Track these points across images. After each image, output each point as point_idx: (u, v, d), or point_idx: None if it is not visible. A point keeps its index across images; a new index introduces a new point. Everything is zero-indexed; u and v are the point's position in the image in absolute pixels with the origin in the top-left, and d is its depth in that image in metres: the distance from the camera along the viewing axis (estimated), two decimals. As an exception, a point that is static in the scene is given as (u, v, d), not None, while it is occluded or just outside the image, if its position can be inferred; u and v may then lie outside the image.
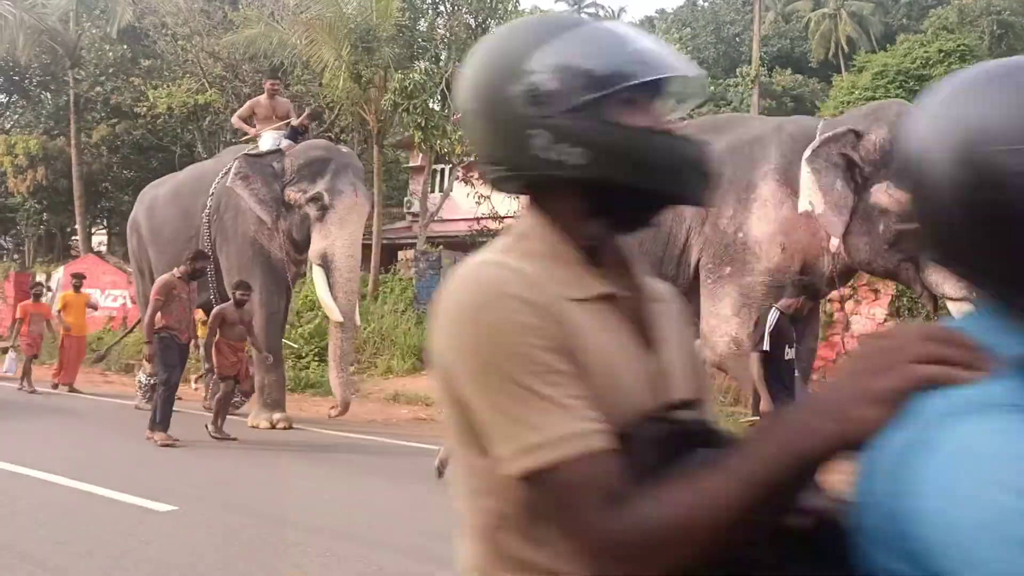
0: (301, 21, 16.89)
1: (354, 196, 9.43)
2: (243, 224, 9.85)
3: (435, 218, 19.62)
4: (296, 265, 10.22)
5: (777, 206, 6.22)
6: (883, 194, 5.84)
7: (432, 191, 21.83)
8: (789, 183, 6.13)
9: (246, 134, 10.78)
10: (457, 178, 19.69)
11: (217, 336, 8.79)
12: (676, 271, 6.57)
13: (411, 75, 16.06)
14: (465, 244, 20.59)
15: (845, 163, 5.94)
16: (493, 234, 20.29)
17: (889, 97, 22.20)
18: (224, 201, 9.97)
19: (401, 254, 18.72)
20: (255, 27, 18.19)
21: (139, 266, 11.45)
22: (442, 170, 22.66)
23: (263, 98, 10.60)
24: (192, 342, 13.39)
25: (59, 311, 13.29)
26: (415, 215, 21.71)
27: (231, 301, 8.88)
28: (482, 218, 20.01)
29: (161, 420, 7.95)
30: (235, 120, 10.73)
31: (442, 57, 17.62)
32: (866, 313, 10.94)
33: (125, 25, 23.22)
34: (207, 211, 10.11)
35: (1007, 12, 28.33)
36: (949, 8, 29.57)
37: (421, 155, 20.58)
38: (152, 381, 10.59)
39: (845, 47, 34.21)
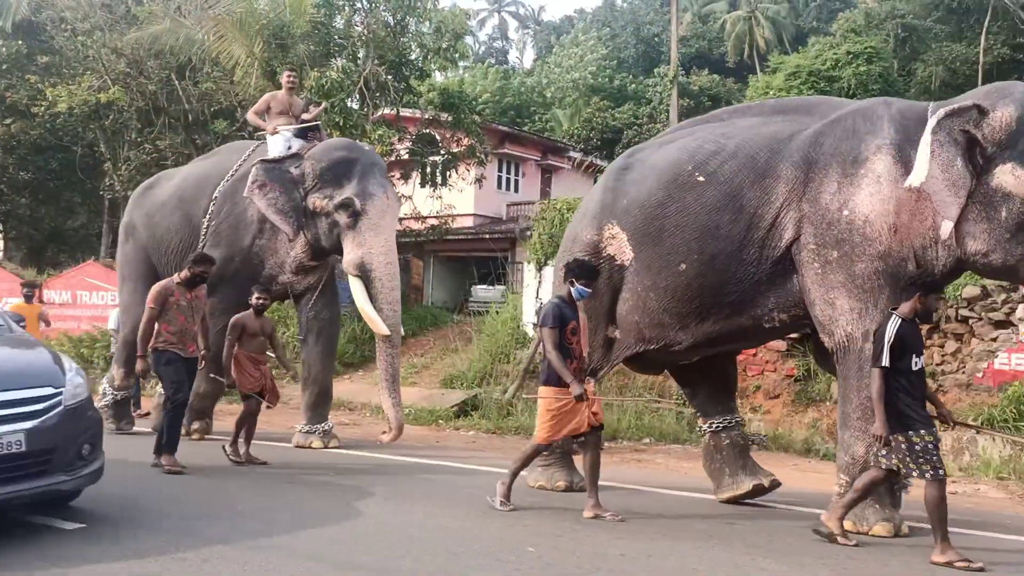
0: (210, 17, 16.30)
1: (386, 198, 8.66)
2: (244, 234, 9.03)
3: (354, 218, 19.18)
4: (303, 273, 9.19)
5: (892, 184, 5.62)
6: (1009, 175, 5.35)
7: (351, 191, 21.38)
8: (904, 161, 5.59)
9: (259, 130, 9.75)
10: (377, 178, 19.34)
11: (236, 348, 7.88)
12: (759, 254, 5.96)
13: (328, 73, 15.67)
14: (386, 245, 20.26)
15: (966, 140, 5.43)
16: (416, 235, 20.03)
17: (803, 96, 22.74)
18: (227, 208, 9.16)
19: (320, 256, 18.23)
20: (160, 23, 17.47)
21: (129, 274, 10.12)
22: (361, 170, 22.25)
23: (281, 93, 9.59)
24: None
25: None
26: (334, 216, 21.23)
27: (250, 309, 8.02)
28: (404, 219, 19.72)
29: (168, 442, 7.15)
30: (251, 116, 9.64)
31: (360, 55, 17.24)
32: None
33: (20, 19, 22.12)
34: (208, 215, 9.25)
35: (910, 16, 29.38)
36: (856, 12, 30.53)
37: (338, 155, 20.09)
38: (119, 396, 9.92)
39: (761, 48, 34.99)
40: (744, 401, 10.94)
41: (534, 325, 10.22)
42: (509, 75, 29.77)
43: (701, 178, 6.12)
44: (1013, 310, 9.91)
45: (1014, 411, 9.29)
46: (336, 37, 16.96)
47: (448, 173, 19.21)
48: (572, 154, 27.79)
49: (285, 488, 6.84)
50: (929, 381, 10.15)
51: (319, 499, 6.38)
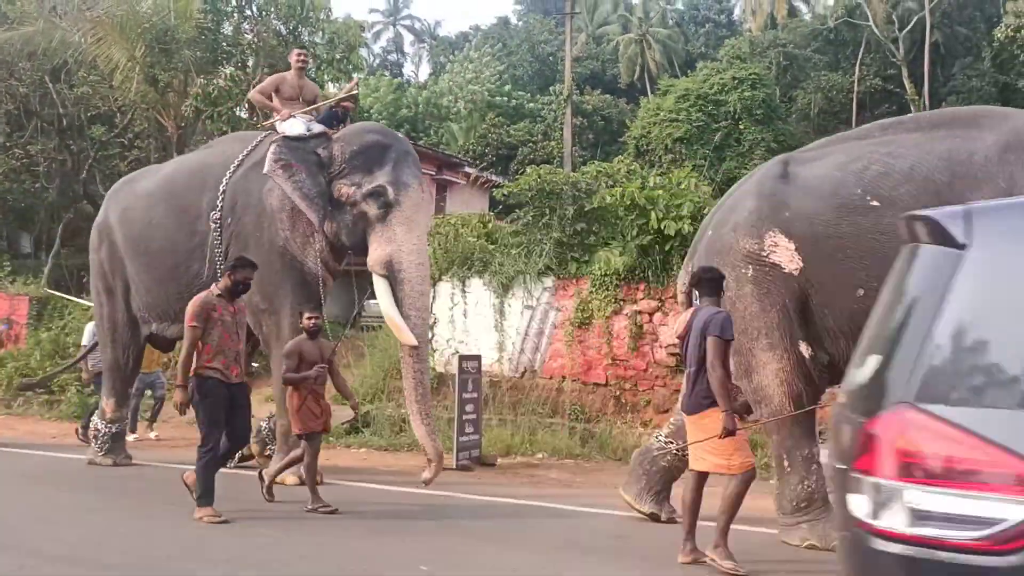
0: (88, 18, 15.58)
1: (420, 191, 7.65)
2: (270, 228, 7.70)
3: (243, 231, 18.62)
4: (333, 277, 8.14)
5: None
6: None
7: (239, 203, 20.79)
8: None
9: (267, 116, 8.62)
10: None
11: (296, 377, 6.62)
12: None
13: (215, 81, 15.20)
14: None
15: None
16: (306, 248, 19.59)
17: (691, 119, 23.49)
18: (242, 200, 7.79)
19: (205, 269, 17.59)
20: (34, 23, 16.59)
21: (107, 283, 8.79)
22: (250, 181, 21.65)
23: (290, 74, 8.43)
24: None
25: None
26: (221, 228, 20.56)
27: (304, 333, 6.76)
28: (293, 232, 19.26)
29: (204, 493, 5.99)
30: (254, 95, 8.48)
31: (249, 63, 16.80)
32: (673, 324, 11.28)
33: None
34: (218, 211, 7.82)
35: (791, 45, 30.80)
36: (741, 39, 31.79)
37: (227, 165, 19.52)
38: (113, 428, 8.65)
39: (652, 71, 35.99)
40: (635, 416, 11.11)
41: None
42: (403, 87, 29.60)
43: (875, 203, 5.60)
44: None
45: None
46: (224, 44, 16.50)
47: (341, 186, 18.87)
48: (467, 169, 27.83)
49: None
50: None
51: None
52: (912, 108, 27.03)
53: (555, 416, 11.15)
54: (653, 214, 11.02)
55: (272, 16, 16.60)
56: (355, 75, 10.86)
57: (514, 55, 34.57)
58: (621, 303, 11.50)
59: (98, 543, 5.46)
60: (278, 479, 6.99)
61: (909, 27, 28.82)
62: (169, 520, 6.15)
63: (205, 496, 5.99)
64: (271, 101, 8.15)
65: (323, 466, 9.18)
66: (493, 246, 13.86)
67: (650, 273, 11.34)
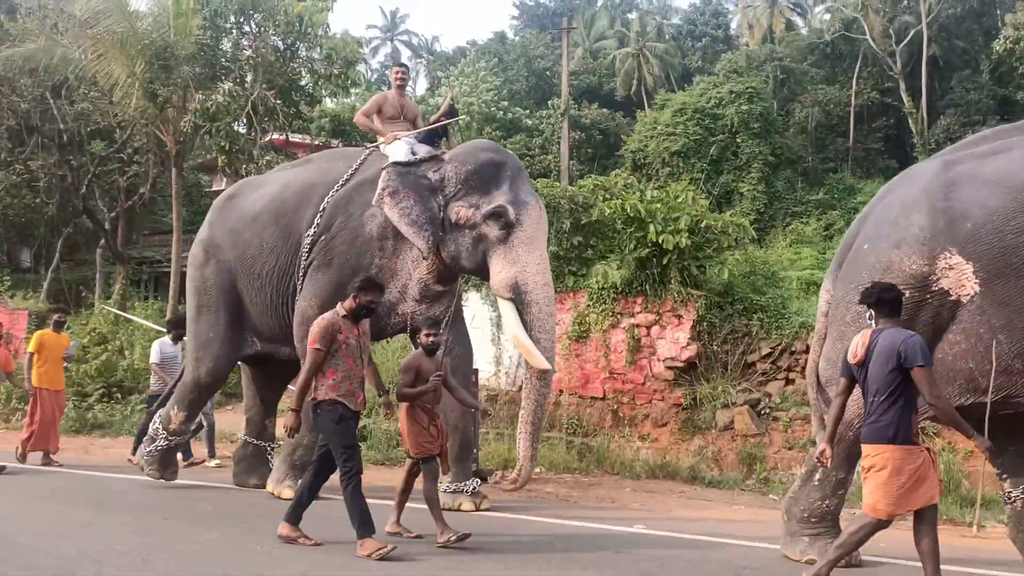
0: (89, 35, 15.64)
1: (539, 208, 7.34)
2: (362, 253, 7.49)
3: (241, 246, 18.63)
4: (428, 301, 7.72)
5: None
6: None
7: (238, 218, 20.82)
8: None
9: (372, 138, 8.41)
10: (265, 204, 18.87)
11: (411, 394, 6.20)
12: None
13: (213, 96, 15.25)
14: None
15: None
16: (304, 263, 19.61)
17: (688, 133, 23.57)
18: (341, 220, 7.60)
19: (203, 284, 17.60)
20: (35, 40, 16.67)
21: (207, 300, 8.31)
22: (249, 196, 21.68)
23: (391, 94, 8.29)
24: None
25: (32, 354, 9.85)
26: (219, 243, 20.58)
27: (420, 349, 6.33)
28: (292, 246, 19.28)
29: (363, 523, 5.55)
30: (359, 118, 8.25)
31: (248, 79, 16.86)
32: (670, 337, 11.30)
33: None
34: (313, 229, 7.64)
35: (788, 59, 30.88)
36: (738, 53, 31.89)
37: (226, 179, 19.58)
38: (172, 441, 8.34)
39: (649, 85, 36.09)
40: (632, 429, 11.09)
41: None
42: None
43: None
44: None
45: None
46: (223, 60, 16.57)
47: (339, 200, 18.89)
48: (465, 183, 27.76)
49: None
50: (807, 408, 10.59)
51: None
52: (909, 122, 27.10)
53: (552, 430, 11.14)
54: (651, 227, 11.04)
55: (271, 32, 16.66)
56: (448, 89, 10.66)
57: (510, 70, 34.68)
58: (619, 316, 11.51)
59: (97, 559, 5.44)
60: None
61: (906, 40, 28.92)
62: (168, 536, 6.13)
63: (364, 527, 5.54)
64: (374, 123, 8.03)
65: (224, 466, 9.27)
66: (491, 260, 13.86)
67: (647, 287, 11.35)
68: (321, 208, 7.67)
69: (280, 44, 16.92)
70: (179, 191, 16.74)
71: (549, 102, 29.90)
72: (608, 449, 10.50)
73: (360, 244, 7.49)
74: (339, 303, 5.94)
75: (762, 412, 10.71)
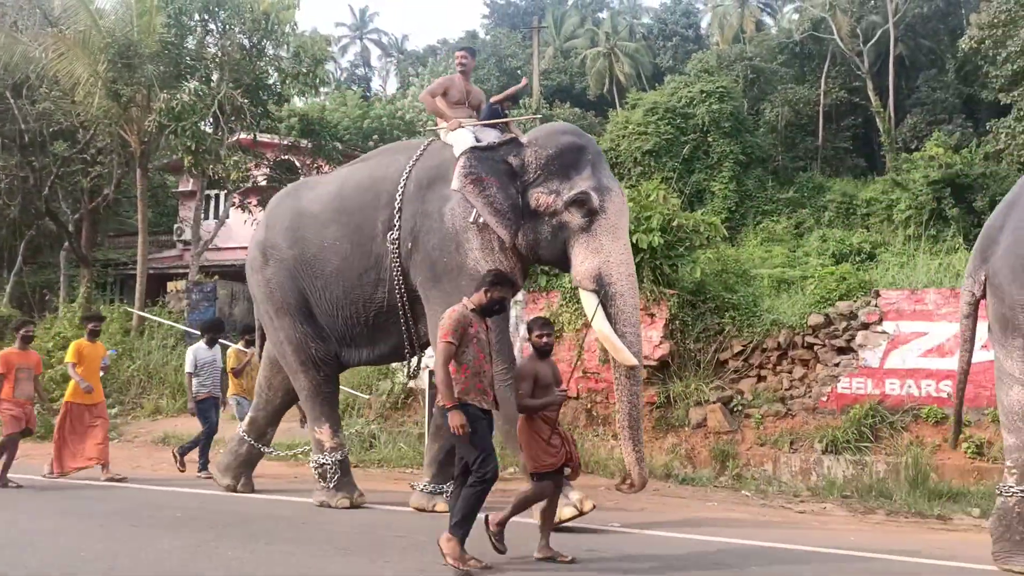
0: (50, 34, 15.35)
1: (622, 196, 6.97)
2: (458, 251, 7.03)
3: (209, 246, 18.41)
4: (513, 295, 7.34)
5: None
6: None
7: (206, 218, 20.57)
8: None
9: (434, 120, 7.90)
10: (233, 204, 18.67)
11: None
12: None
13: (178, 95, 15.02)
14: (243, 274, 19.51)
15: None
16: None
17: (660, 132, 23.62)
18: (421, 221, 7.17)
19: (170, 285, 17.38)
20: (-5, 38, 16.33)
21: (277, 303, 7.83)
22: (216, 196, 21.43)
23: (457, 77, 7.84)
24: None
25: (72, 364, 9.21)
26: (187, 243, 20.36)
27: (532, 353, 5.84)
28: (262, 247, 19.05)
29: (461, 524, 5.24)
30: (425, 97, 7.77)
31: (213, 78, 16.63)
32: (643, 336, 11.24)
33: None
34: (396, 231, 7.22)
35: (758, 59, 31.08)
36: (709, 53, 32.05)
37: (192, 180, 19.32)
38: (340, 456, 7.63)
39: (620, 84, 36.17)
40: (606, 428, 11.04)
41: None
42: (370, 101, 29.50)
43: None
44: (853, 337, 10.45)
45: (855, 432, 9.77)
46: (188, 58, 16.33)
47: (308, 200, 18.71)
48: (437, 183, 27.67)
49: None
50: (779, 405, 10.63)
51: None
52: (877, 120, 27.35)
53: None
54: (622, 226, 10.98)
55: (236, 30, 16.45)
56: (524, 78, 10.19)
57: (481, 68, 34.59)
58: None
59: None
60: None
61: (873, 40, 29.19)
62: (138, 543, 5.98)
63: (460, 528, 5.21)
64: (440, 105, 7.62)
65: (294, 483, 9.08)
66: (462, 259, 13.76)
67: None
68: (396, 208, 7.26)
69: (246, 42, 16.72)
70: (144, 192, 16.48)
71: (521, 101, 29.82)
72: (582, 448, 10.43)
73: (450, 240, 7.06)
74: (466, 297, 5.61)
75: (734, 409, 10.72)
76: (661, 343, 11.08)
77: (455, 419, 5.18)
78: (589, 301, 6.67)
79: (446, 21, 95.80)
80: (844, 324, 10.58)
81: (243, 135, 17.07)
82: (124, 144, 16.49)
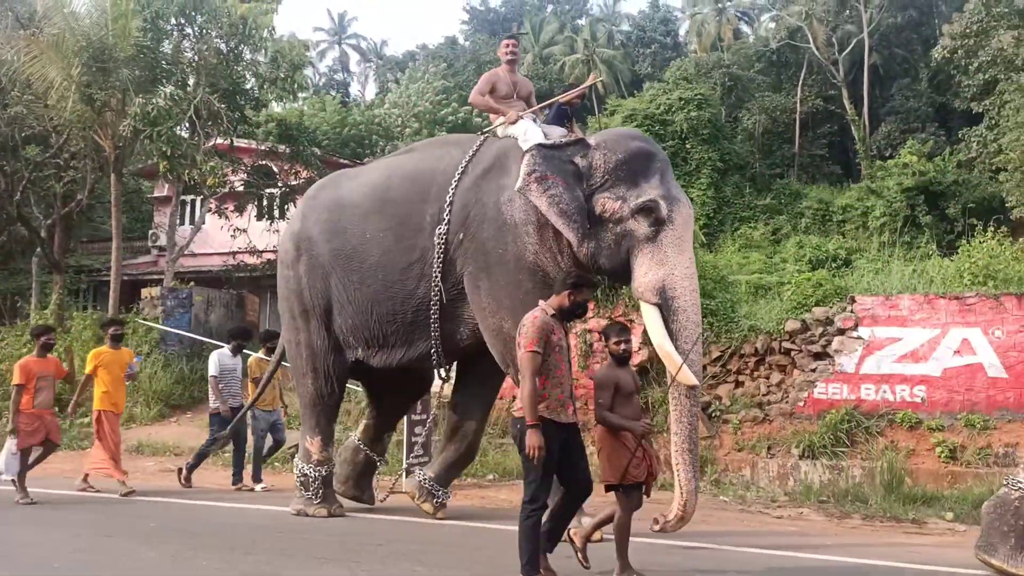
0: (22, 36, 15.16)
1: (689, 207, 6.68)
2: (515, 242, 6.69)
3: (185, 252, 18.25)
4: None
5: None
6: None
7: (181, 223, 20.40)
8: None
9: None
10: (209, 210, 18.53)
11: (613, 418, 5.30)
12: None
13: (154, 100, 14.87)
14: (219, 280, 19.39)
15: None
16: (251, 269, 19.23)
17: (637, 138, 23.70)
18: (475, 212, 6.84)
19: (145, 291, 17.19)
20: (-35, 40, 16.07)
21: (303, 303, 7.57)
22: (192, 201, 21.27)
23: (501, 70, 7.54)
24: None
25: (90, 373, 8.79)
26: (161, 249, 20.17)
27: (610, 360, 5.47)
28: (238, 252, 18.93)
29: (530, 562, 4.92)
30: (475, 97, 7.49)
31: (190, 82, 16.49)
32: (622, 342, 11.26)
33: None
34: (444, 225, 6.89)
35: (735, 67, 31.31)
36: (687, 60, 32.24)
37: (167, 185, 19.17)
38: (324, 471, 7.45)
39: (599, 91, 36.26)
40: (586, 434, 11.00)
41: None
42: (349, 106, 29.41)
43: None
44: (829, 343, 10.53)
45: (832, 437, 9.83)
46: (164, 62, 16.16)
47: (286, 206, 18.63)
48: (416, 189, 27.60)
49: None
50: (756, 410, 10.67)
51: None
52: (852, 128, 27.62)
53: (505, 436, 11.02)
54: (600, 232, 11.00)
55: (213, 35, 16.32)
56: (595, 71, 9.80)
57: (461, 75, 34.61)
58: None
59: None
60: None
61: (848, 49, 29.51)
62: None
63: (530, 566, 4.90)
64: (490, 102, 7.34)
65: (275, 492, 8.99)
66: (441, 265, 13.71)
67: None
68: (447, 202, 6.92)
69: (223, 47, 16.58)
70: (118, 197, 16.28)
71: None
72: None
73: (506, 232, 6.73)
74: (542, 301, 5.23)
75: (712, 415, 10.76)
76: (640, 349, 11.10)
77: (533, 440, 4.76)
78: (650, 316, 6.31)
79: (425, 27, 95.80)
80: (820, 330, 10.65)
81: (220, 140, 16.94)
82: (98, 149, 16.31)
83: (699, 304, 6.41)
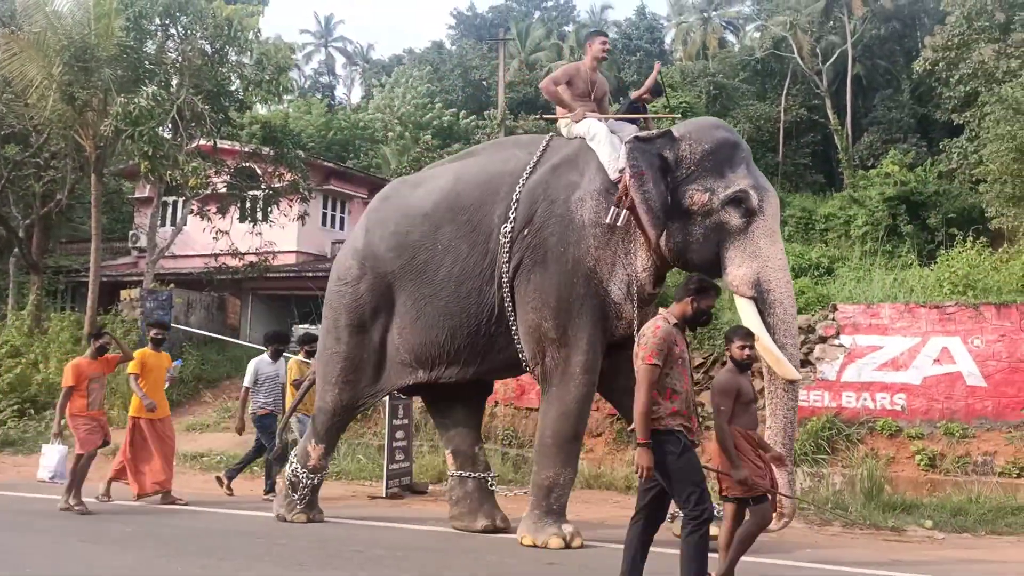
0: (4, 34, 14.99)
1: (776, 197, 6.51)
2: (578, 244, 6.47)
3: (166, 254, 18.11)
4: (644, 305, 6.60)
5: None
6: None
7: (162, 225, 20.23)
8: None
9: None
10: (191, 212, 18.38)
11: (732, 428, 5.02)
12: None
13: (136, 100, 14.74)
14: (201, 282, 19.24)
15: None
16: (233, 272, 19.08)
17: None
18: (543, 209, 6.61)
19: (124, 293, 17.04)
20: (-56, 37, 15.88)
21: (360, 318, 7.23)
22: (174, 202, 21.11)
23: (584, 66, 7.30)
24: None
25: (136, 376, 8.41)
26: (142, 250, 19.99)
27: (730, 364, 5.26)
28: (220, 254, 18.79)
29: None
30: (547, 84, 7.28)
31: (173, 83, 16.37)
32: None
33: None
34: (510, 223, 6.64)
35: (720, 75, 31.51)
36: (672, 68, 32.40)
37: (149, 186, 19.00)
38: (316, 479, 7.31)
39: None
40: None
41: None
42: (334, 109, 29.32)
43: None
44: (811, 350, 10.56)
45: (813, 444, 9.85)
46: (147, 63, 16.03)
47: (269, 209, 18.52)
48: (400, 194, 27.54)
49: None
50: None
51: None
52: (835, 138, 27.84)
53: (488, 441, 10.98)
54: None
55: (198, 36, 16.21)
56: (657, 61, 9.48)
57: (447, 79, 34.59)
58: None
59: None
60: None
61: (832, 60, 29.77)
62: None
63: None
64: (564, 95, 7.11)
65: (237, 496, 8.89)
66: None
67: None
68: (514, 199, 6.70)
69: (208, 48, 16.45)
70: (99, 198, 16.12)
71: (486, 112, 29.88)
72: (520, 458, 10.42)
73: (572, 232, 6.51)
74: (663, 310, 4.87)
75: (694, 422, 10.75)
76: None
77: (643, 459, 4.46)
78: (746, 310, 6.19)
79: (412, 31, 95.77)
80: (802, 337, 10.66)
81: (203, 141, 16.82)
82: (79, 148, 16.15)
83: (794, 296, 6.31)
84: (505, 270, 6.60)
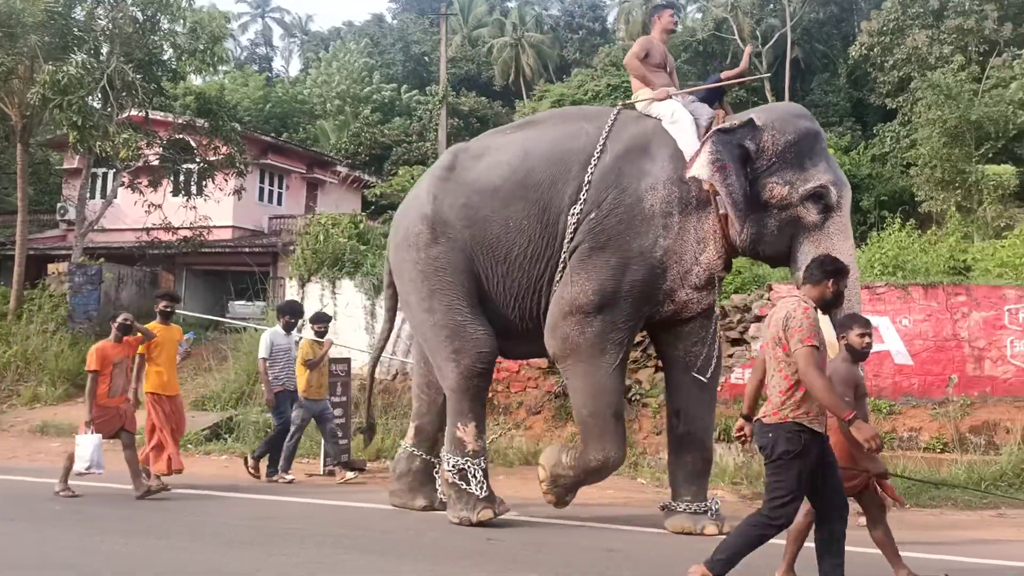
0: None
1: (850, 191, 6.43)
2: (644, 233, 6.35)
3: (95, 227, 17.58)
4: (707, 289, 6.54)
5: None
6: None
7: (92, 197, 19.63)
8: None
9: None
10: (123, 184, 17.86)
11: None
12: None
13: (64, 68, 14.23)
14: (132, 256, 18.75)
15: None
16: (166, 246, 18.64)
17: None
18: (613, 196, 6.41)
19: (52, 267, 16.49)
20: None
21: (442, 283, 6.83)
22: (104, 174, 20.48)
23: (656, 39, 7.08)
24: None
25: (142, 355, 7.85)
26: (70, 223, 19.38)
27: (845, 353, 4.97)
28: (152, 228, 18.33)
29: (728, 560, 4.28)
30: (632, 61, 6.97)
31: (103, 51, 15.84)
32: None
33: None
34: (580, 204, 6.45)
35: (663, 54, 31.69)
36: (615, 47, 32.48)
37: (78, 157, 18.40)
38: (482, 463, 6.56)
39: (526, 75, 36.26)
40: (507, 417, 11.07)
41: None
42: (273, 83, 28.71)
43: None
44: (747, 329, 10.77)
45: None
46: (76, 29, 15.48)
47: (204, 183, 18.10)
48: (339, 168, 27.22)
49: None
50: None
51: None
52: (773, 120, 28.27)
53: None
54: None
55: (129, 2, 15.69)
56: (749, 44, 8.82)
57: (387, 53, 34.12)
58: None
59: None
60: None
61: (771, 42, 30.17)
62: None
63: (727, 563, 4.26)
64: (645, 70, 6.83)
65: (187, 475, 8.71)
66: (365, 247, 13.55)
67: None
68: (586, 181, 6.48)
69: (140, 15, 15.98)
70: (24, 168, 15.58)
71: (427, 88, 29.59)
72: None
73: (640, 223, 6.35)
74: (799, 291, 4.60)
75: (632, 399, 10.89)
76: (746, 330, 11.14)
77: (864, 431, 4.19)
78: None
79: (351, 3, 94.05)
80: (738, 316, 10.88)
81: (134, 112, 16.33)
82: (3, 117, 15.56)
83: (860, 292, 6.23)
84: (565, 250, 6.47)
